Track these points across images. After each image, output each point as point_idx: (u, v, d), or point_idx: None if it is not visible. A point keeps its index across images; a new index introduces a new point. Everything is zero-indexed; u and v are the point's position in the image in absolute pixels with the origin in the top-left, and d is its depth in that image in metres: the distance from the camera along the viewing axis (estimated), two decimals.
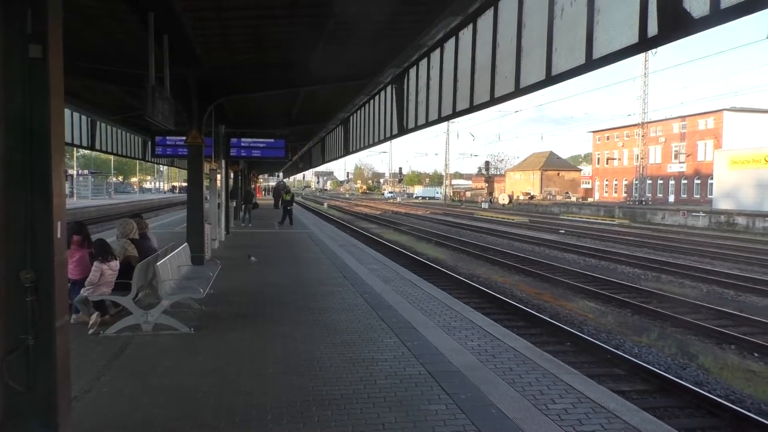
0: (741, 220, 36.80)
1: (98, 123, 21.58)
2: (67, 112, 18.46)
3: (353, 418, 4.63)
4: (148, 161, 36.87)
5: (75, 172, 69.06)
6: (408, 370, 5.84)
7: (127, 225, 8.44)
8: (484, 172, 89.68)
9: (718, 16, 4.25)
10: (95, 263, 7.23)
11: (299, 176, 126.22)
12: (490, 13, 8.25)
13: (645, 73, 54.62)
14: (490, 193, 78.93)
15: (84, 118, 20.34)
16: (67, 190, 54.23)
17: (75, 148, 55.46)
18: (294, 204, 27.89)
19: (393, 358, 6.21)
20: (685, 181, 60.93)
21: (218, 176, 17.54)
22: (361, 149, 20.23)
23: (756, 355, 9.22)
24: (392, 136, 14.93)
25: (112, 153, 25.85)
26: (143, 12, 8.16)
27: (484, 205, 67.43)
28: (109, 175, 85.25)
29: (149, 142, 18.98)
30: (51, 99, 3.61)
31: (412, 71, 12.46)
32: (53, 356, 3.66)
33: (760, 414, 6.61)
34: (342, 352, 6.42)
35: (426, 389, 5.30)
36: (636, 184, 60.02)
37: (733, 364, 8.70)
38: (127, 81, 12.24)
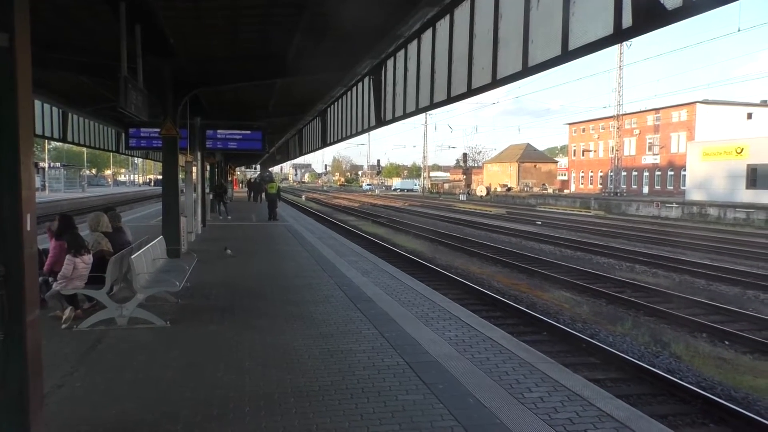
0: (713, 211, 37.53)
1: (70, 114, 21.20)
2: (37, 103, 18.07)
3: (331, 409, 4.63)
4: (121, 153, 36.36)
5: (47, 165, 67.62)
6: (386, 360, 5.85)
7: (99, 218, 8.30)
8: (462, 164, 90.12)
9: (691, 8, 4.32)
10: (68, 256, 7.09)
11: (276, 168, 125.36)
12: (467, 4, 8.25)
13: (620, 66, 55.26)
14: (468, 185, 79.29)
15: (55, 109, 19.95)
16: (39, 183, 53.22)
17: (46, 140, 54.40)
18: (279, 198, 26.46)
19: (371, 349, 6.22)
20: (659, 173, 61.93)
21: (194, 169, 17.32)
22: (338, 141, 20.19)
23: (726, 342, 9.42)
24: (370, 128, 14.92)
25: (84, 145, 25.44)
26: (114, 1, 8.00)
27: (462, 197, 67.65)
28: (82, 168, 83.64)
29: (123, 134, 18.69)
30: (18, 89, 3.50)
31: (390, 62, 12.43)
32: (24, 351, 3.58)
33: (729, 400, 6.78)
34: (320, 344, 6.41)
35: (404, 380, 5.31)
36: (611, 176, 60.85)
37: (704, 352, 8.89)
38: (98, 72, 12.03)
